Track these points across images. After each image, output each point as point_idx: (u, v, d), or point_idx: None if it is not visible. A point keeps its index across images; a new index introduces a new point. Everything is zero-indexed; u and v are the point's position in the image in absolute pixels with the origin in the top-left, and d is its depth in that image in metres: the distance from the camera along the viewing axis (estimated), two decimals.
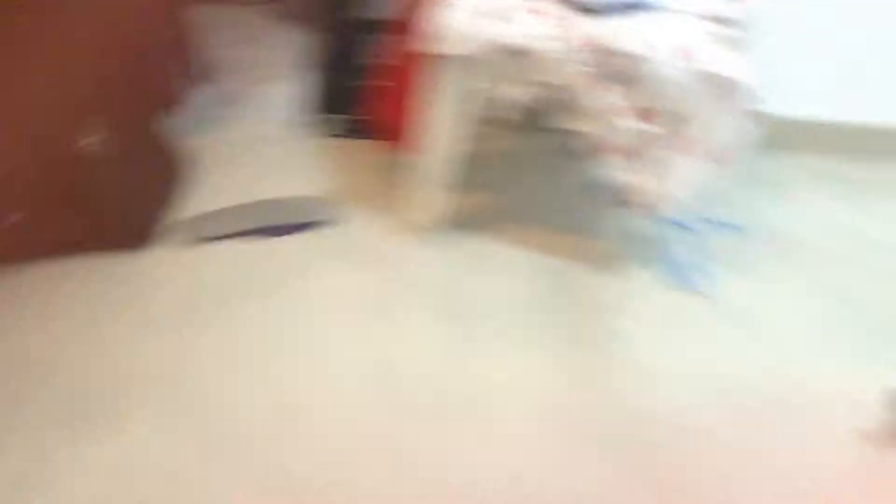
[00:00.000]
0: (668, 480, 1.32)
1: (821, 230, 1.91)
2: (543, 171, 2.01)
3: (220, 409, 1.37)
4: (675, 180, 1.58)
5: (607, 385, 1.48)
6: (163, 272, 1.61)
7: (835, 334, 1.63)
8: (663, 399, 1.46)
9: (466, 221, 1.82)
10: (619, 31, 1.52)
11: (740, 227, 1.88)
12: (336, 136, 2.03)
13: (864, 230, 1.93)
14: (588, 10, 1.57)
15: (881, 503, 1.33)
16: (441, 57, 1.55)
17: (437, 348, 1.52)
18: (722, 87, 1.53)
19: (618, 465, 1.33)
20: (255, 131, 2.00)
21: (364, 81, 1.95)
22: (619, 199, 1.66)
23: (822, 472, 1.36)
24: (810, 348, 1.60)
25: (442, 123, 1.64)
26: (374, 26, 1.92)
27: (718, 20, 1.60)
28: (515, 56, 1.52)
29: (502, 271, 1.71)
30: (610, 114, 1.54)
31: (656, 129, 1.54)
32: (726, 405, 1.46)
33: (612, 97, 1.53)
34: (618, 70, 1.51)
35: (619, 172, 1.59)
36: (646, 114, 1.54)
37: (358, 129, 2.02)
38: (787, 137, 2.17)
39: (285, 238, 1.72)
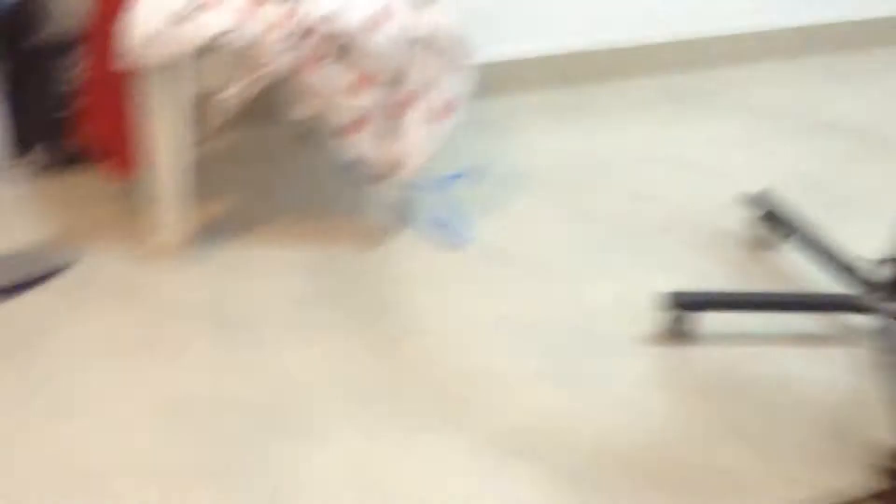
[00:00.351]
0: (494, 426, 1.35)
1: (554, 159, 2.04)
2: (285, 161, 1.96)
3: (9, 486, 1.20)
4: (415, 143, 1.61)
5: (412, 354, 1.48)
6: None
7: (595, 252, 1.75)
8: (467, 352, 1.49)
9: (219, 230, 1.73)
10: (326, 8, 1.50)
11: (483, 173, 1.95)
12: (51, 170, 1.84)
13: (591, 150, 2.08)
14: None
15: (676, 391, 1.45)
16: (144, 66, 1.45)
17: (225, 367, 1.43)
18: (434, 44, 1.57)
19: (452, 427, 1.34)
20: None
21: (68, 105, 1.78)
22: (365, 173, 1.67)
23: (622, 379, 1.46)
24: (580, 271, 1.70)
25: (163, 134, 1.54)
26: (65, 45, 1.76)
27: None
28: (225, 52, 1.46)
29: (270, 271, 1.64)
30: (336, 91, 1.53)
31: (384, 97, 1.55)
32: (522, 342, 1.51)
33: (334, 74, 1.52)
34: (334, 46, 1.50)
35: (358, 147, 1.59)
36: (370, 85, 1.54)
37: (74, 158, 1.84)
38: (501, 79, 2.28)
39: (23, 295, 1.54)
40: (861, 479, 1.30)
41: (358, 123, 1.57)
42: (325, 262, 1.68)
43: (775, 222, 1.77)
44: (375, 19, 1.51)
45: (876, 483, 1.29)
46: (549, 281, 1.67)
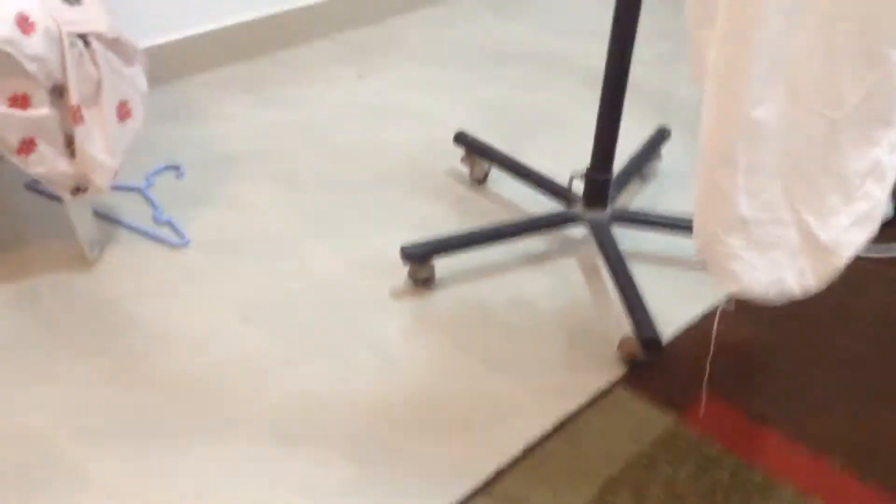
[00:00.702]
0: (264, 417, 1.30)
1: (256, 135, 1.97)
2: None
3: None
4: (99, 151, 1.47)
5: (157, 369, 1.37)
6: None
7: (320, 220, 1.72)
8: (217, 351, 1.41)
9: None
10: None
11: (185, 165, 1.84)
12: None
13: (292, 118, 2.03)
14: None
15: (429, 338, 1.48)
16: None
17: None
18: (97, 42, 1.44)
19: (222, 430, 1.26)
20: None
21: None
22: (53, 191, 1.50)
23: (376, 339, 1.46)
24: (310, 242, 1.66)
25: None
26: None
27: None
28: None
29: None
30: None
31: (52, 108, 1.40)
32: (269, 328, 1.46)
33: None
34: None
35: (37, 166, 1.43)
36: (33, 97, 1.38)
37: None
38: (179, 62, 2.15)
39: None
40: (606, 371, 1.42)
41: (28, 141, 1.40)
42: (27, 296, 1.50)
43: (482, 156, 1.86)
44: (22, 24, 1.35)
45: (619, 370, 1.42)
46: (282, 260, 1.62)
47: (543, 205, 1.74)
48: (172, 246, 1.63)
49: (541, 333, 1.49)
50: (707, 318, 1.53)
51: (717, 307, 1.54)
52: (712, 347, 1.46)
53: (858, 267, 1.35)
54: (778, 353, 1.50)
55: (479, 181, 1.87)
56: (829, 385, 1.43)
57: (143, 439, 1.27)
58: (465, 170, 1.88)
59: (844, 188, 1.25)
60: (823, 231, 1.26)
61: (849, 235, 1.26)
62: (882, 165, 1.24)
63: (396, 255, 1.57)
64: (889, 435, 1.35)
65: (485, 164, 1.86)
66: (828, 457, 1.30)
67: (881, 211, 1.26)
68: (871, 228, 1.27)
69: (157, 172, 1.81)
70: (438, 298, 1.56)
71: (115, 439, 1.26)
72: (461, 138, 1.88)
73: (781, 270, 1.28)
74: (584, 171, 1.63)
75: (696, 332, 1.51)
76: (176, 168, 1.84)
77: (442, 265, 1.60)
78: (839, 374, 1.45)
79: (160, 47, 2.09)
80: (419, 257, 1.56)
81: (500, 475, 1.24)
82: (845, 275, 1.29)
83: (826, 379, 1.44)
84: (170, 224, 1.67)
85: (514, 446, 1.28)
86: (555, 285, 1.60)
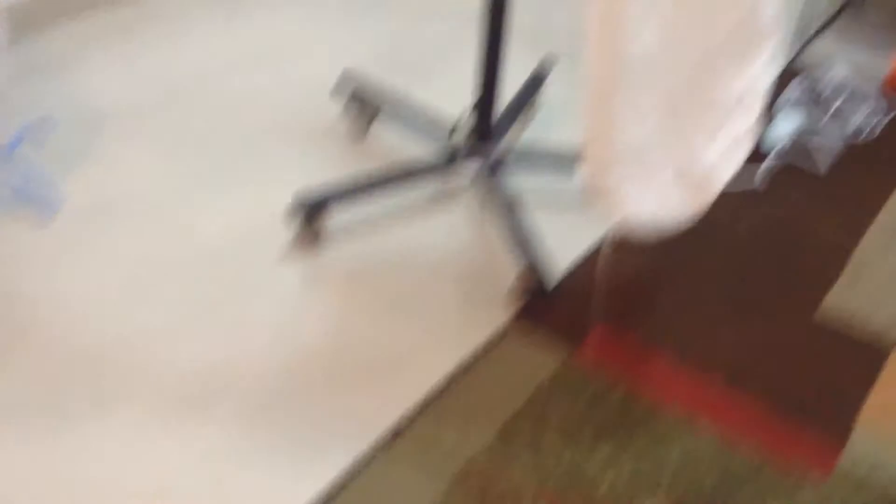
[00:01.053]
0: (158, 389, 1.26)
1: (125, 88, 1.87)
2: None
3: None
4: None
5: (39, 348, 1.31)
6: None
7: (203, 177, 1.66)
8: (101, 325, 1.35)
9: None
10: None
11: (50, 126, 1.74)
12: None
13: (163, 68, 1.93)
14: None
15: (322, 292, 1.46)
16: None
17: None
18: None
19: (113, 404, 1.22)
20: None
21: None
22: None
23: (270, 298, 1.43)
24: (193, 202, 1.60)
25: None
26: None
27: None
28: None
29: None
30: None
31: None
32: (154, 296, 1.41)
33: None
34: None
35: None
36: None
37: None
38: (38, 14, 2.02)
39: None
40: (501, 312, 1.44)
41: None
42: None
43: (368, 102, 1.82)
44: None
45: (514, 309, 1.44)
46: (164, 223, 1.55)
47: (431, 147, 1.73)
48: (44, 215, 1.54)
49: (434, 279, 1.49)
50: (595, 254, 1.56)
51: (604, 241, 1.58)
52: (599, 281, 1.49)
53: (723, 199, 1.40)
54: (661, 283, 1.55)
55: (365, 126, 1.83)
56: (709, 308, 1.49)
57: (24, 421, 1.21)
58: (350, 115, 1.84)
59: (720, 114, 1.28)
60: (702, 158, 1.29)
61: (724, 161, 1.30)
62: (754, 89, 1.28)
63: (283, 211, 1.53)
64: (765, 348, 1.42)
65: (370, 109, 1.83)
66: (712, 375, 1.36)
67: (753, 134, 1.31)
68: (745, 151, 1.32)
69: (25, 133, 1.70)
70: (329, 252, 1.53)
71: (6, 428, 1.20)
72: (344, 82, 1.84)
73: (664, 198, 1.31)
74: (469, 113, 1.62)
75: (585, 267, 1.54)
76: (45, 127, 1.73)
77: (330, 218, 1.57)
78: (718, 297, 1.51)
79: (19, 1, 1.94)
80: (305, 212, 1.53)
81: (407, 419, 1.24)
82: (714, 206, 1.34)
83: (706, 302, 1.50)
84: (39, 192, 1.58)
85: (419, 390, 1.28)
86: (444, 230, 1.60)
